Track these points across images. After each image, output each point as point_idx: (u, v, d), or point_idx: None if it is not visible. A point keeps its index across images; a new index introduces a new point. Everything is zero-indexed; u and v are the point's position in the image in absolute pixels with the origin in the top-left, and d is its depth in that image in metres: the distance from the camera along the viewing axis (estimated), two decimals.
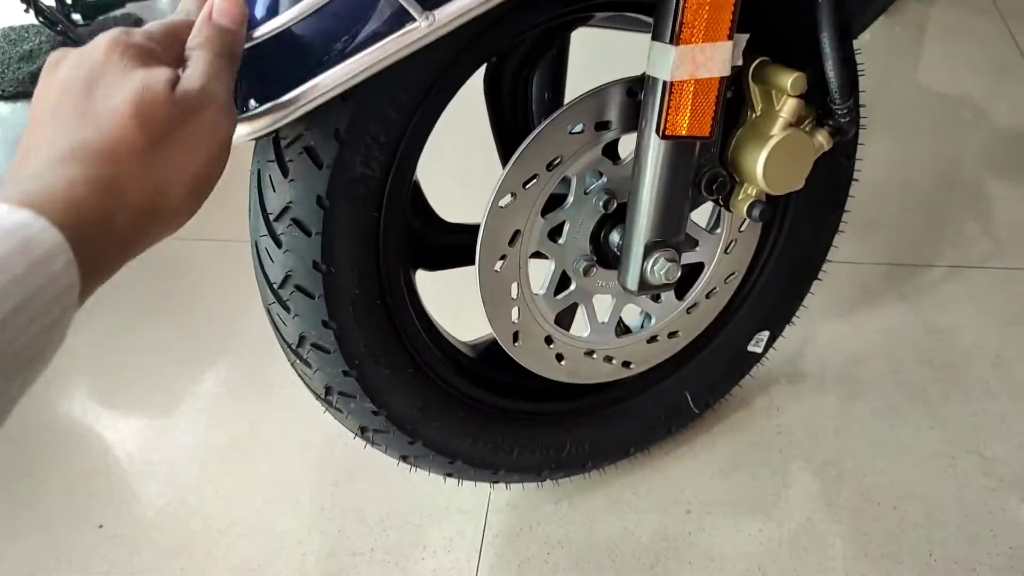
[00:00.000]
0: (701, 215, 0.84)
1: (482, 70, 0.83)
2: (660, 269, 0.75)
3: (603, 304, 0.86)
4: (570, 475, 1.02)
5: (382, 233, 0.72)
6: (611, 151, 0.77)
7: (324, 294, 0.72)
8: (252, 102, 0.59)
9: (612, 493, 1.04)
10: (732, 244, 0.88)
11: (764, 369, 1.12)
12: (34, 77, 1.97)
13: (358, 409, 0.80)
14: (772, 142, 0.72)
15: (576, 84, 0.79)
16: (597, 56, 1.22)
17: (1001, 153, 1.59)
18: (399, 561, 0.98)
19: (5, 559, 0.99)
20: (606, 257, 0.82)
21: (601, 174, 0.77)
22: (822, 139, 0.75)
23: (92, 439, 1.17)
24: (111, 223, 0.42)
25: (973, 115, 1.70)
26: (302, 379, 0.81)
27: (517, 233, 0.76)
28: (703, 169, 0.74)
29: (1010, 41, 1.92)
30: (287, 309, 0.73)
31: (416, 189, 0.87)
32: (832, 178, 0.93)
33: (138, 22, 2.13)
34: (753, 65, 0.72)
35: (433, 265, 0.88)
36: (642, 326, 0.92)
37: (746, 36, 0.67)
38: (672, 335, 0.92)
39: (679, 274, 0.76)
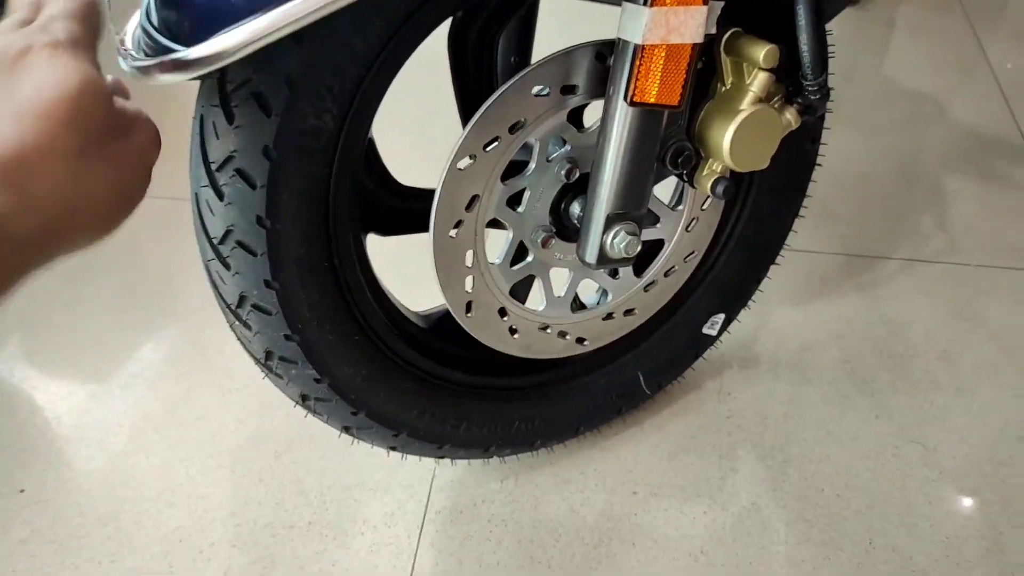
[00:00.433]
0: (664, 191, 0.82)
1: (447, 27, 0.79)
2: (620, 243, 0.73)
3: (560, 278, 0.84)
4: (518, 452, 1.00)
5: (332, 191, 0.69)
6: (576, 118, 0.75)
7: (267, 252, 0.68)
8: (197, 36, 0.54)
9: (559, 472, 1.03)
10: (694, 222, 0.86)
11: (717, 352, 1.12)
12: None
13: (300, 376, 0.77)
14: (741, 116, 0.70)
15: (543, 50, 0.76)
16: (567, 24, 1.19)
17: (960, 150, 1.60)
18: (337, 535, 0.95)
19: None
20: (565, 229, 0.79)
21: (565, 141, 0.75)
22: (790, 117, 0.74)
23: (19, 399, 1.11)
24: (11, 227, 0.36)
25: (935, 111, 1.72)
26: (241, 342, 0.77)
27: (475, 198, 0.73)
28: (669, 141, 0.72)
29: (973, 39, 1.94)
30: (227, 267, 0.69)
31: (372, 148, 0.84)
32: (796, 161, 0.93)
33: None
34: (726, 36, 0.70)
35: (386, 230, 0.85)
36: (598, 303, 0.90)
37: (721, 3, 0.65)
38: (628, 313, 0.90)
39: (639, 249, 0.74)
